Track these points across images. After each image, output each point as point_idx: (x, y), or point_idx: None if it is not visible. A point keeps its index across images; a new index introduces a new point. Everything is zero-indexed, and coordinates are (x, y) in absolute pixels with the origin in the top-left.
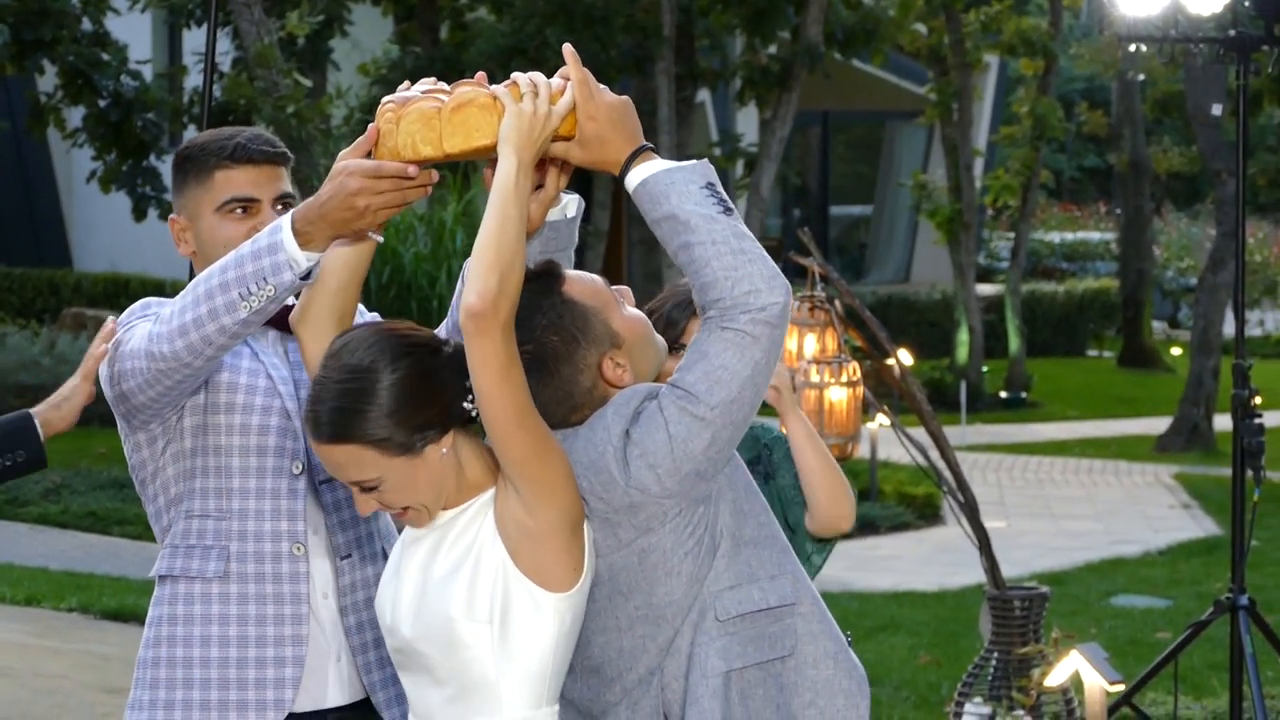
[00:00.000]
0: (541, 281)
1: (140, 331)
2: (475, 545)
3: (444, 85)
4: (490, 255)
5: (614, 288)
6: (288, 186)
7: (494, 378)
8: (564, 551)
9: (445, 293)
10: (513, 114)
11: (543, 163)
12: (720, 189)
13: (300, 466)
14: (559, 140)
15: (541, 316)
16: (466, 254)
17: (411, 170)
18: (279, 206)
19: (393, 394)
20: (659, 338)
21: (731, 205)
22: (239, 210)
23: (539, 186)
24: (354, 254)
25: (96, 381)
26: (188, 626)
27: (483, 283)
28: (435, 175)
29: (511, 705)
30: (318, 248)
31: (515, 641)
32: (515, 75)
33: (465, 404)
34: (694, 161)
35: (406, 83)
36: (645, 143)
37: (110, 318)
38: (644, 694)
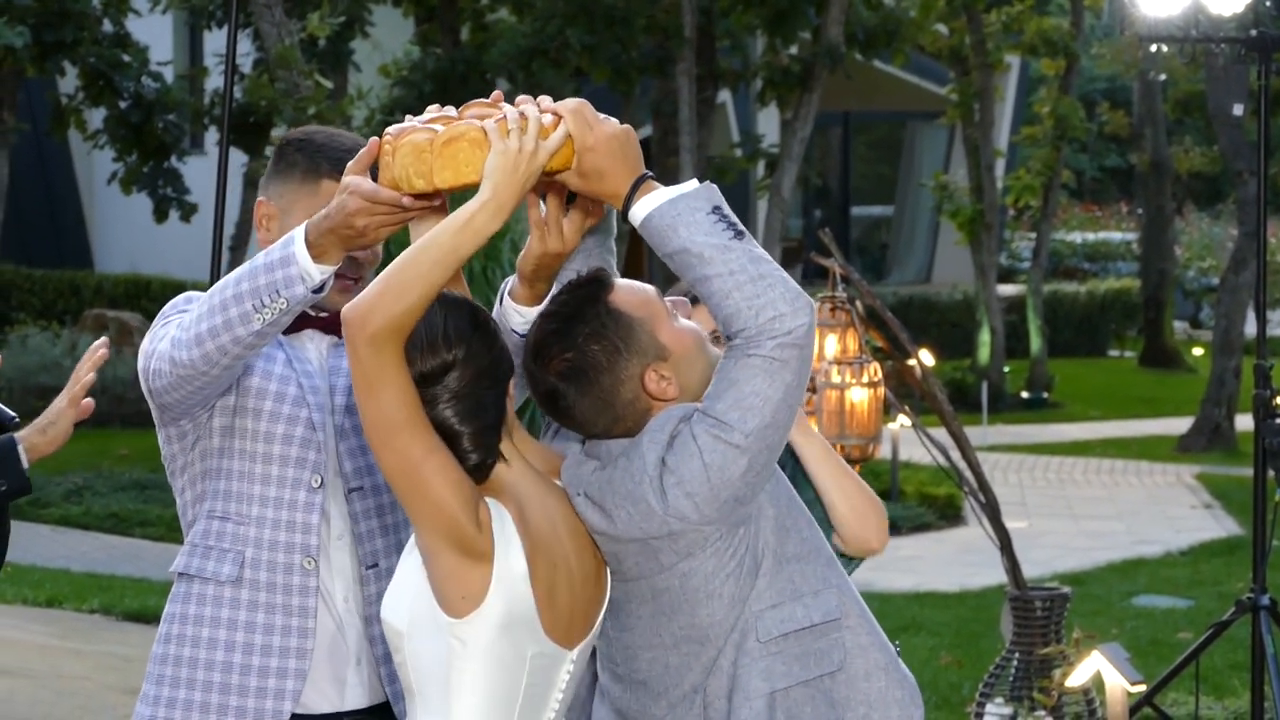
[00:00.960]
0: (588, 289)
1: (171, 332)
2: (410, 558)
3: (451, 112)
4: (392, 270)
5: (669, 298)
6: None
7: (359, 390)
8: (450, 576)
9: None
10: (497, 151)
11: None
12: (727, 211)
13: (319, 480)
14: (555, 173)
15: (584, 325)
16: (488, 255)
17: (406, 201)
18: None
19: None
20: (713, 350)
21: (741, 227)
22: None
23: (571, 201)
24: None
25: (91, 392)
26: (198, 627)
27: (366, 293)
28: (439, 199)
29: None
30: (331, 260)
31: (421, 654)
32: (505, 108)
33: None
34: (696, 186)
35: (409, 116)
36: (646, 171)
37: (104, 341)
38: (688, 710)
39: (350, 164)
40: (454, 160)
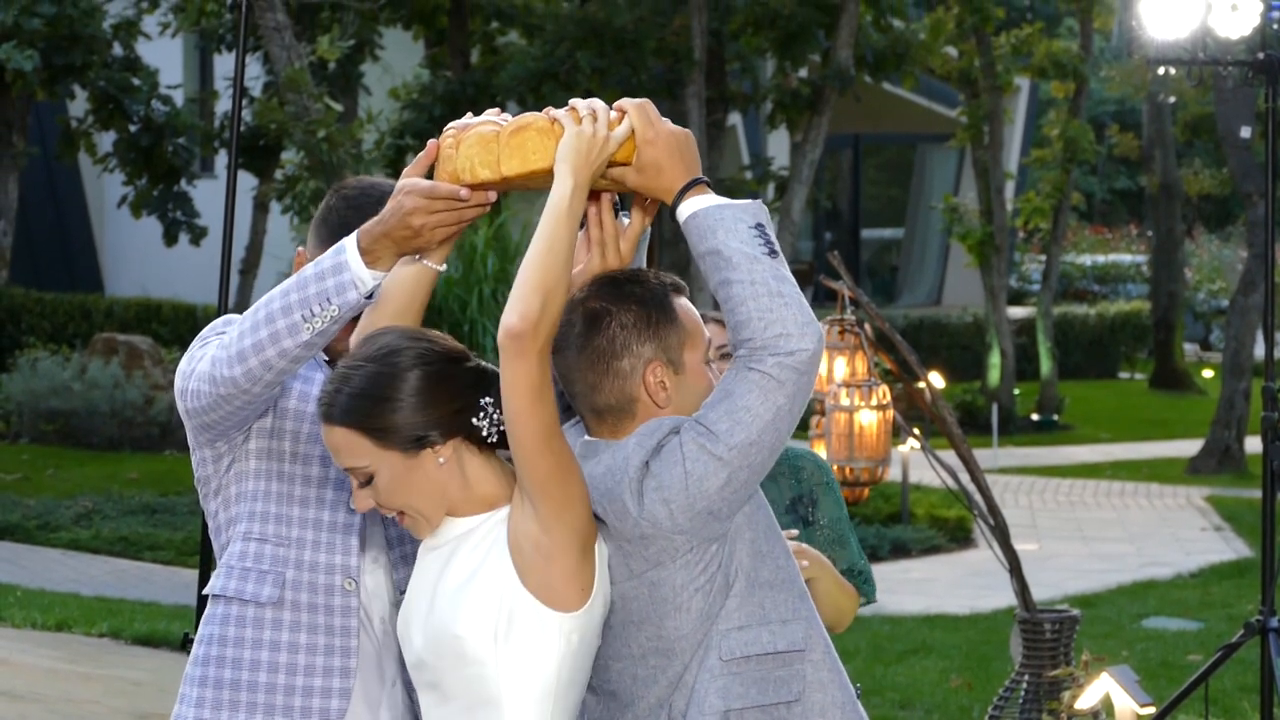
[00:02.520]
0: (667, 280)
1: (210, 351)
2: (486, 561)
3: (507, 116)
4: (536, 276)
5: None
6: None
7: (526, 400)
8: (574, 572)
9: (476, 317)
10: (571, 134)
11: (595, 195)
12: (770, 231)
13: None
14: (616, 166)
15: (639, 288)
16: (498, 279)
17: (464, 193)
18: None
19: (408, 390)
20: None
21: (777, 248)
22: None
23: (620, 207)
24: (412, 279)
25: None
26: (238, 649)
27: (525, 304)
28: (493, 195)
29: None
30: (384, 266)
31: (520, 659)
32: (574, 101)
33: (475, 420)
34: (748, 201)
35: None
36: (701, 175)
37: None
38: None
39: (408, 168)
40: (521, 148)
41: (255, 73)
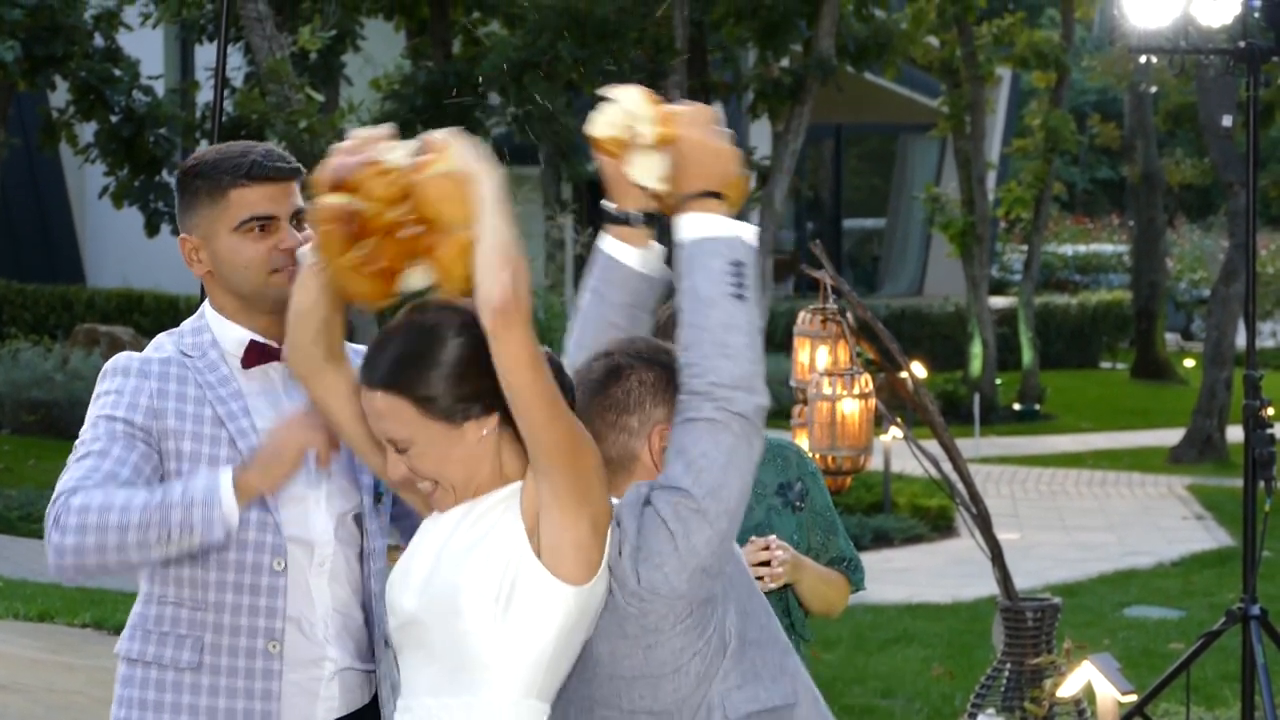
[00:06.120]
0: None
1: (58, 514)
2: (497, 525)
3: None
4: (496, 257)
5: None
6: (300, 201)
7: (527, 370)
8: (583, 546)
9: None
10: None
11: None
12: (746, 269)
13: (282, 563)
14: (665, 144)
15: (668, 355)
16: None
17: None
18: (294, 222)
19: (451, 357)
20: None
21: (747, 291)
22: (258, 229)
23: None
24: (324, 293)
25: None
26: (158, 714)
27: (498, 281)
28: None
29: (501, 688)
30: (250, 500)
31: (517, 624)
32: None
33: None
34: (735, 233)
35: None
36: (717, 191)
37: None
38: None
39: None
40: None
41: (236, 63)
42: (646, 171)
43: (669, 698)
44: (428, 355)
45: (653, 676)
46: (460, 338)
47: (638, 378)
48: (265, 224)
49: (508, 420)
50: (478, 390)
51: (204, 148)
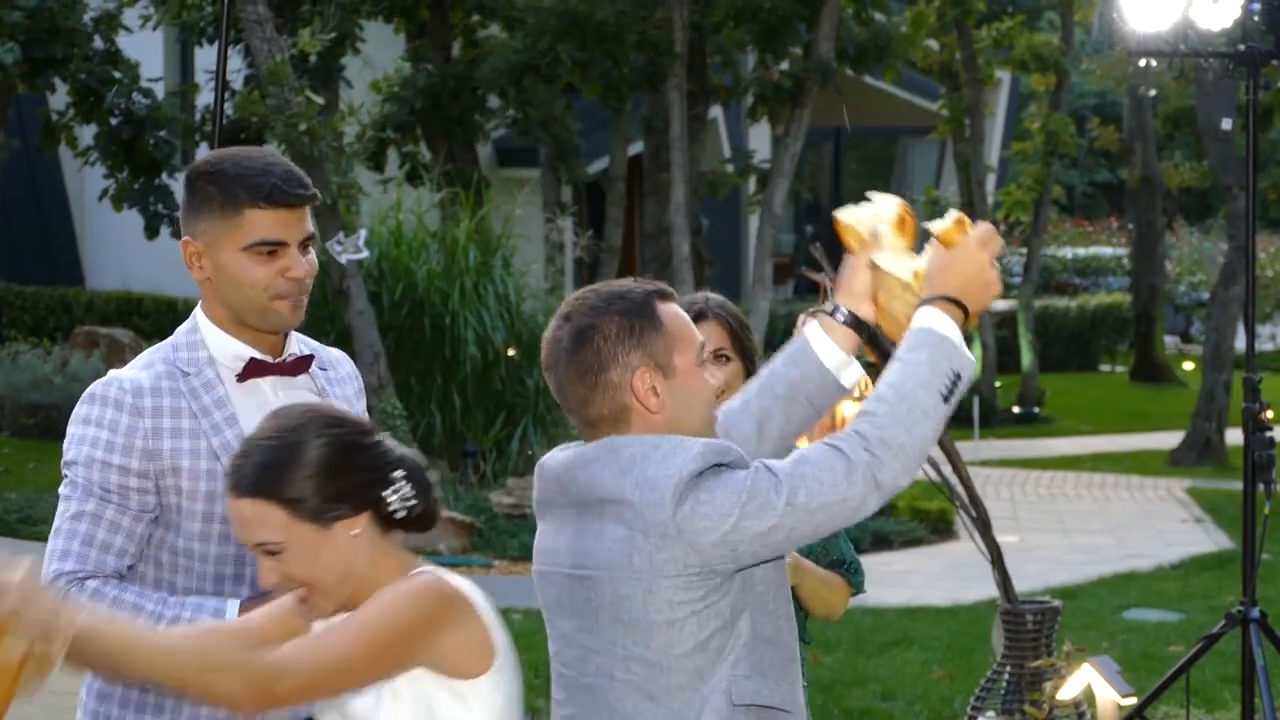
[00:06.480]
0: (650, 287)
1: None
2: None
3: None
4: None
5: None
6: (311, 226)
7: (330, 683)
8: (464, 643)
9: (458, 309)
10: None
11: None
12: (960, 388)
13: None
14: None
15: (624, 302)
16: (480, 271)
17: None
18: (303, 247)
19: (314, 457)
20: (715, 414)
21: (951, 404)
22: (266, 252)
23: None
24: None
25: None
26: (123, 709)
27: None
28: None
29: None
30: None
31: None
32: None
33: (384, 494)
34: (967, 354)
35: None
36: (958, 299)
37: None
38: None
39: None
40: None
41: (236, 66)
42: (895, 261)
43: (661, 649)
44: (293, 458)
45: (647, 624)
46: (322, 438)
47: (601, 335)
48: (274, 249)
49: (380, 520)
50: (345, 490)
51: (220, 150)
